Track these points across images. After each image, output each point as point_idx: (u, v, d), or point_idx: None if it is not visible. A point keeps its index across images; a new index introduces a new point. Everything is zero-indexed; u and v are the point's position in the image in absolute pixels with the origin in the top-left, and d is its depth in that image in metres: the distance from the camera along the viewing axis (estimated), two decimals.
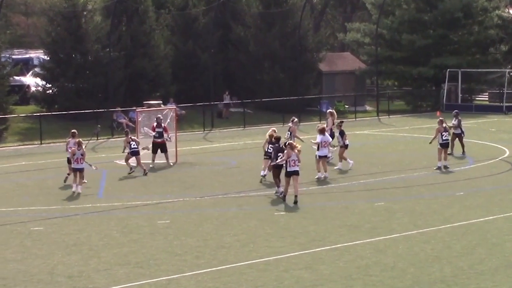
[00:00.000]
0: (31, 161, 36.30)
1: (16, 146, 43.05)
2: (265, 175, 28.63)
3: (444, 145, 31.36)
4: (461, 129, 34.82)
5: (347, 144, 31.60)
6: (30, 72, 56.85)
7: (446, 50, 61.43)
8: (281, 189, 25.65)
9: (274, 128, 28.70)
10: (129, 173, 30.85)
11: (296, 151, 24.99)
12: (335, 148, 32.04)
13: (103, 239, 20.58)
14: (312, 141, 30.04)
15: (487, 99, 64.45)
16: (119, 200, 26.03)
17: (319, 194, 26.83)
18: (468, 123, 48.13)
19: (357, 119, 54.45)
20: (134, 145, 31.29)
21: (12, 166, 34.97)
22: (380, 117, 56.00)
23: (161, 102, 41.73)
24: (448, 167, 31.01)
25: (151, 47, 53.65)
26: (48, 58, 52.07)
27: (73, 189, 27.37)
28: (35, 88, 52.84)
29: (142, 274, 17.29)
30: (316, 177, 29.16)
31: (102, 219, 23.17)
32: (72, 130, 29.81)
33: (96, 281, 16.85)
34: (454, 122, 34.55)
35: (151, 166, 32.95)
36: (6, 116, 45.66)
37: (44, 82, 51.73)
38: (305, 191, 26.72)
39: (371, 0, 63.66)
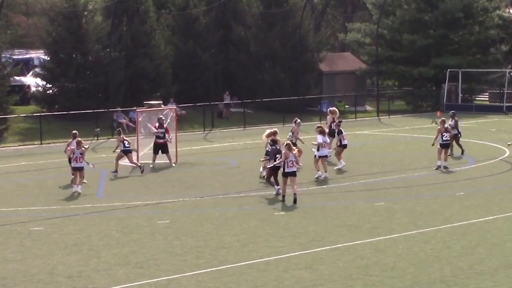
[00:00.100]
0: (31, 161, 36.30)
1: (17, 146, 43.05)
2: (264, 175, 28.60)
3: (444, 146, 31.36)
4: (457, 129, 34.81)
5: (344, 144, 31.58)
6: (31, 72, 56.82)
7: (446, 50, 61.42)
8: (277, 186, 25.79)
9: (276, 129, 28.72)
10: (113, 172, 30.97)
11: (294, 152, 25.05)
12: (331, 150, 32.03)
13: (103, 239, 20.59)
14: (313, 142, 29.99)
15: (487, 99, 64.42)
16: (119, 200, 26.03)
17: (319, 194, 26.84)
18: (469, 123, 48.16)
19: (357, 119, 54.45)
20: (127, 144, 31.50)
21: (12, 166, 34.98)
22: (380, 117, 55.99)
23: (161, 102, 41.73)
24: (448, 168, 31.01)
25: (152, 47, 53.63)
26: (49, 58, 52.06)
27: (73, 189, 27.39)
28: (35, 88, 52.82)
29: (142, 274, 17.29)
30: (316, 176, 29.16)
31: (102, 219, 23.18)
32: (73, 131, 29.82)
33: (96, 281, 16.85)
34: (450, 122, 34.51)
35: (151, 166, 32.98)
36: (6, 116, 45.65)
37: (44, 82, 51.71)
38: (305, 191, 26.74)
39: (372, 0, 63.64)
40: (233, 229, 21.46)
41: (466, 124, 47.27)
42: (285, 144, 25.57)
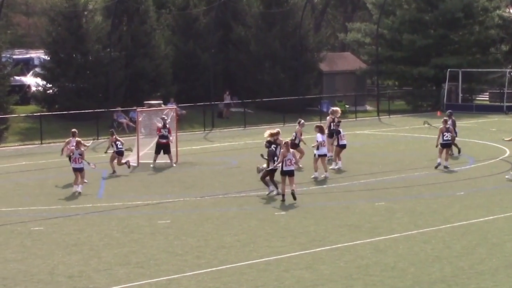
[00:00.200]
0: (31, 161, 36.30)
1: (17, 146, 43.06)
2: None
3: (444, 145, 31.37)
4: (454, 129, 34.78)
5: (342, 144, 31.54)
6: (31, 72, 56.81)
7: (446, 50, 61.42)
8: (272, 187, 25.89)
9: (278, 129, 28.72)
10: (112, 174, 31.06)
11: (291, 150, 25.10)
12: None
13: (103, 239, 20.59)
14: (313, 145, 29.96)
15: (487, 99, 64.43)
16: (119, 200, 26.03)
17: (319, 194, 26.84)
18: (469, 123, 48.18)
19: (357, 119, 54.46)
20: (120, 145, 31.54)
21: (12, 166, 34.98)
22: (380, 117, 55.99)
23: (161, 102, 41.72)
24: (448, 167, 31.01)
25: (152, 47, 53.62)
26: (49, 58, 52.06)
27: (74, 189, 27.38)
28: (35, 88, 52.81)
29: (143, 274, 17.29)
30: (312, 176, 29.16)
31: (103, 219, 23.18)
32: (73, 130, 29.85)
33: (97, 281, 16.85)
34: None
35: (151, 166, 32.98)
36: (6, 116, 45.65)
37: (44, 82, 51.70)
38: (305, 191, 26.75)
39: (372, 0, 63.64)
40: (234, 229, 21.47)
41: (466, 124, 47.33)
42: (283, 142, 25.60)
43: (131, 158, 33.37)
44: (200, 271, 17.42)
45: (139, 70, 52.38)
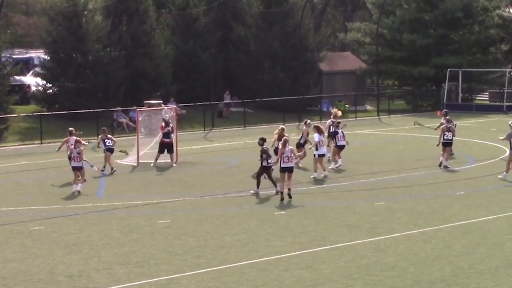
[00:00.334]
0: (31, 160, 36.30)
1: (17, 145, 43.05)
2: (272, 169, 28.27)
3: (445, 144, 31.39)
4: None
5: (340, 145, 31.49)
6: (31, 72, 56.82)
7: (446, 50, 61.43)
8: (258, 189, 26.00)
9: (283, 127, 28.74)
10: (111, 172, 31.02)
11: (288, 147, 25.10)
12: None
13: (103, 239, 20.58)
14: (313, 147, 29.97)
15: (487, 98, 64.40)
16: (119, 199, 26.03)
17: (319, 193, 26.84)
18: (469, 123, 48.19)
19: (357, 118, 54.44)
20: (108, 142, 31.60)
21: (12, 166, 34.97)
22: (380, 117, 55.98)
23: (161, 101, 41.76)
24: (448, 167, 31.02)
25: (152, 47, 53.62)
26: (49, 58, 52.05)
27: (74, 188, 27.38)
28: (35, 88, 52.81)
29: (143, 274, 17.29)
30: (312, 176, 29.17)
31: (103, 219, 23.18)
32: (70, 128, 29.82)
33: (97, 281, 16.85)
34: (442, 121, 34.48)
35: (152, 165, 32.99)
36: (6, 115, 45.63)
37: (44, 82, 51.70)
38: (305, 190, 26.76)
39: (372, 0, 63.65)
40: (233, 229, 21.46)
41: (466, 123, 47.33)
42: (282, 139, 25.65)
43: (131, 158, 33.38)
44: (200, 271, 17.42)
45: (139, 70, 52.38)
